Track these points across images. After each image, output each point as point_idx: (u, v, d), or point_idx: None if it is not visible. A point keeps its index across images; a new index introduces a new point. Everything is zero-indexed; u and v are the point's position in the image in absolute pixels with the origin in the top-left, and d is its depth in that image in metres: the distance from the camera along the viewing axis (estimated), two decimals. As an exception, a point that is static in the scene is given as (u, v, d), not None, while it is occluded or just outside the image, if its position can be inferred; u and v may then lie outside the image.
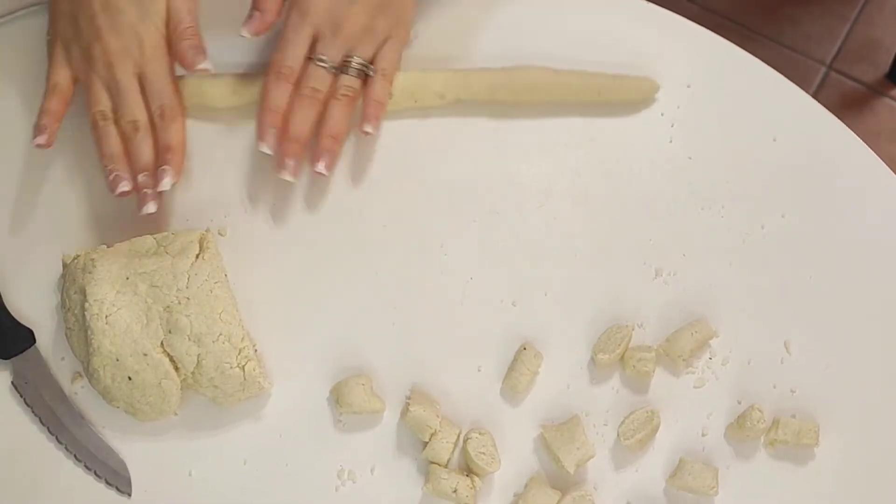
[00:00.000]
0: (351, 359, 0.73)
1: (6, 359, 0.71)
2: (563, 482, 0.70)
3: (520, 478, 0.70)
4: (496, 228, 0.77)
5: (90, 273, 0.68)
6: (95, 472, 0.69)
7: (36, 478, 0.70)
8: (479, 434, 0.69)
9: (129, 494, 0.69)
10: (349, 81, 0.76)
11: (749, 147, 0.80)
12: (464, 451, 0.70)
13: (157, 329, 0.68)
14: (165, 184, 0.72)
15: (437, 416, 0.69)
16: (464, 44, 0.82)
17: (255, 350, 0.71)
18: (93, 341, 0.67)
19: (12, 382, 0.71)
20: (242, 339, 0.69)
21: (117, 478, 0.69)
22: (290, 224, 0.77)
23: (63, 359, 0.72)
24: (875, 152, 0.80)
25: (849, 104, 1.64)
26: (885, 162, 0.79)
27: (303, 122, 0.75)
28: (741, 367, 0.73)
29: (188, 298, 0.68)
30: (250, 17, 0.74)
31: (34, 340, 0.72)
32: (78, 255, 0.71)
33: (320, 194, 0.78)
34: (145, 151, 0.73)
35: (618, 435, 0.71)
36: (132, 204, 0.74)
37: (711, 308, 0.75)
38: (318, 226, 0.77)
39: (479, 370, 0.73)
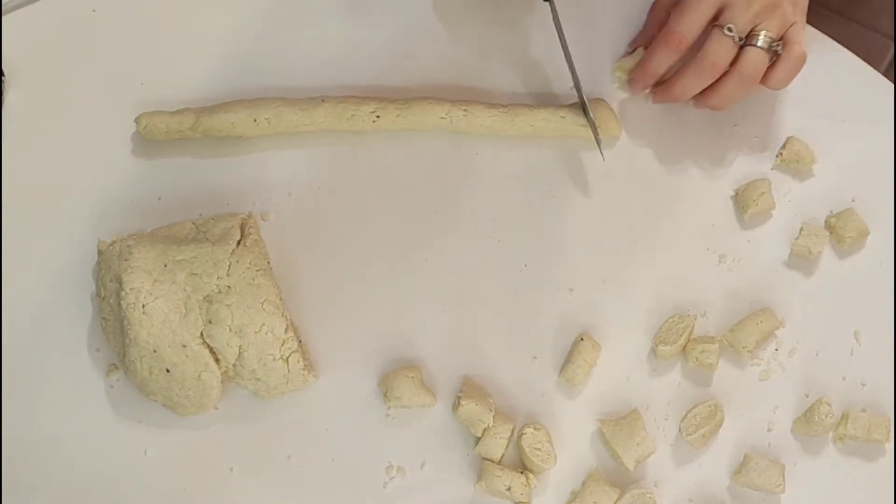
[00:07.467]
0: (400, 350, 0.71)
1: None
2: (622, 479, 0.69)
3: (577, 475, 0.69)
4: (551, 212, 0.75)
5: (126, 260, 0.67)
6: None
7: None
8: (535, 429, 0.68)
9: None
10: (756, 56, 0.72)
11: (816, 127, 0.78)
12: (518, 446, 0.69)
13: (197, 319, 0.66)
14: None
15: (491, 409, 0.68)
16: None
17: (300, 341, 0.70)
18: (129, 332, 0.65)
19: None
20: (286, 329, 0.67)
21: None
22: (337, 208, 0.75)
23: (98, 350, 0.71)
24: (949, 131, 0.78)
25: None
26: (960, 142, 0.78)
27: (690, 90, 0.74)
28: (809, 358, 0.72)
29: (229, 287, 0.67)
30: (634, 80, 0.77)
31: None
32: (114, 242, 0.70)
33: (369, 178, 0.76)
34: None
35: (679, 430, 0.69)
36: (170, 188, 0.74)
37: (777, 296, 0.73)
38: (366, 210, 0.75)
39: (534, 360, 0.72)
